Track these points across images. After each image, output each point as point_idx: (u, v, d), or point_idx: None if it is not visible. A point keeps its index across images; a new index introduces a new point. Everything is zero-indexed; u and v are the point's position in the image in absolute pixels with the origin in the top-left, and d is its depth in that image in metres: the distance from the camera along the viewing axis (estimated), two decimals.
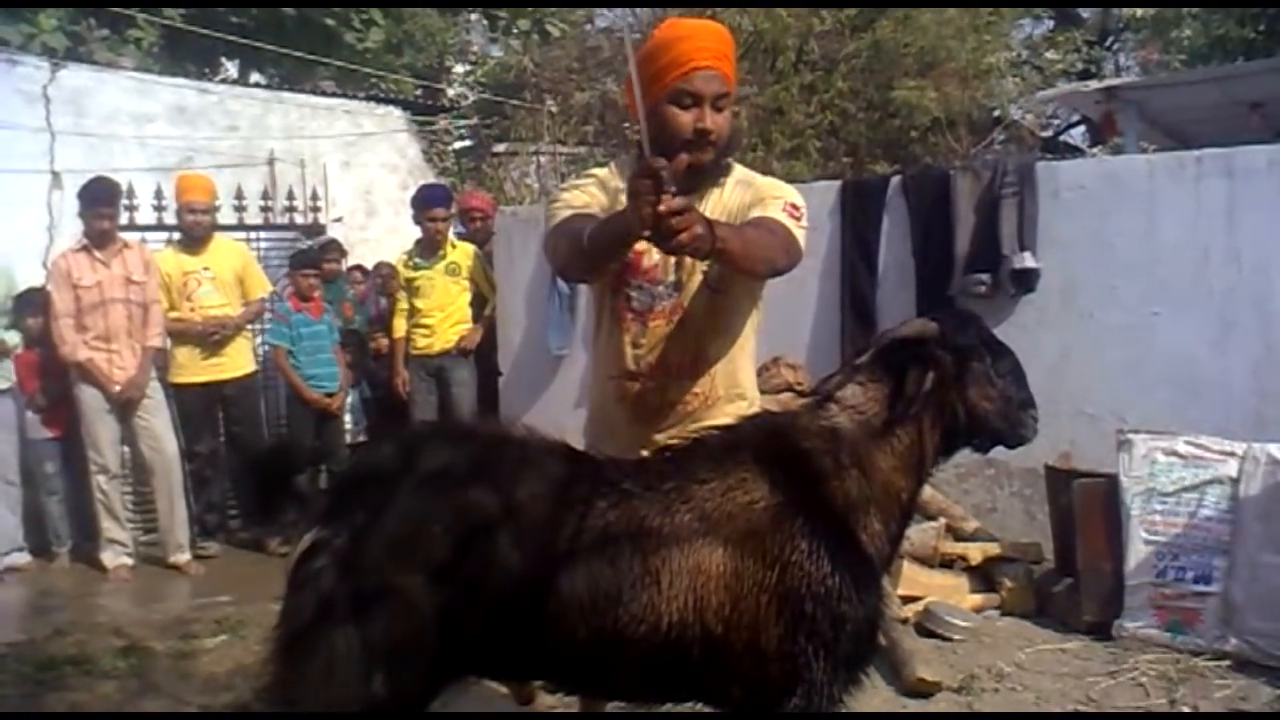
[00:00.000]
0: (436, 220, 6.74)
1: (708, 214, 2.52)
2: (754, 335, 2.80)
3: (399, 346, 6.84)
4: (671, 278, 2.65)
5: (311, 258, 6.97)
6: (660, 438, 2.63)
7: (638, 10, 12.11)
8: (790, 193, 2.69)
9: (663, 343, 2.67)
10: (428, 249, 6.78)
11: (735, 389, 2.73)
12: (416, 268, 6.74)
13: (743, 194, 2.66)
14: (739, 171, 2.74)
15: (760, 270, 2.49)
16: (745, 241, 2.35)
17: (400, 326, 6.81)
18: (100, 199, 6.05)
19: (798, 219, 2.61)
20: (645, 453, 2.55)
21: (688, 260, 2.60)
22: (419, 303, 6.71)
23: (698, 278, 2.64)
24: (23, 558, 6.22)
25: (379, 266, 8.15)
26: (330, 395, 6.74)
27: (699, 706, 2.32)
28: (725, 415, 2.60)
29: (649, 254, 2.62)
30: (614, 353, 2.75)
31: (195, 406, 6.46)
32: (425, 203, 6.83)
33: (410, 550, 2.09)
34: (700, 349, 2.67)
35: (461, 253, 6.83)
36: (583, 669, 2.22)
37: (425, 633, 2.08)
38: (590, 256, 2.49)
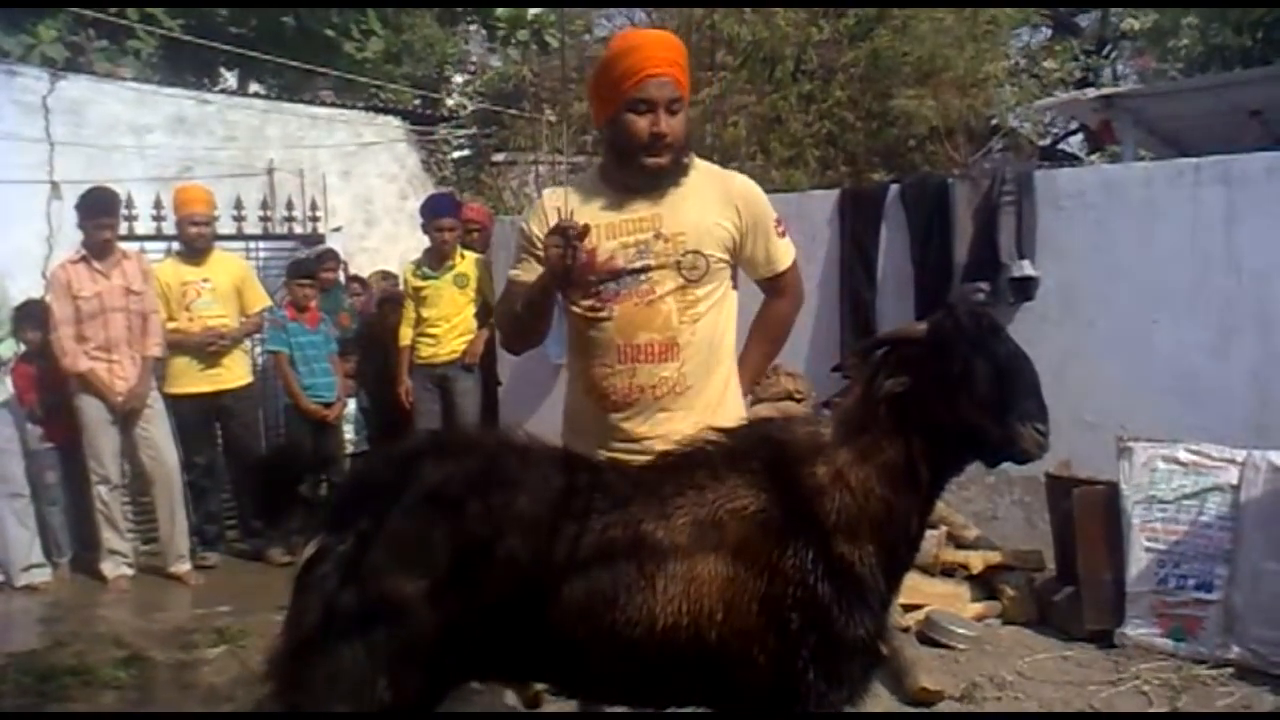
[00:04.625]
0: (443, 230, 6.73)
1: (668, 213, 2.72)
2: (731, 325, 2.86)
3: (404, 355, 6.82)
4: (638, 264, 2.71)
5: (307, 267, 6.96)
6: (629, 426, 2.70)
7: (637, 14, 12.17)
8: (767, 204, 2.84)
9: (632, 326, 2.71)
10: (436, 259, 6.77)
11: (710, 377, 2.77)
12: (424, 277, 6.73)
13: (710, 193, 2.77)
14: (699, 168, 2.81)
15: None
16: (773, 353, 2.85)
17: (406, 335, 6.80)
18: (100, 209, 6.04)
19: (784, 233, 2.86)
20: (616, 443, 2.66)
21: (658, 247, 2.71)
22: (425, 312, 6.70)
23: (672, 265, 2.70)
24: (43, 575, 6.11)
25: (373, 277, 8.16)
26: (327, 405, 6.72)
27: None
28: (697, 406, 2.70)
29: (603, 247, 2.70)
30: (583, 344, 2.80)
31: (192, 417, 6.44)
32: (433, 213, 6.81)
33: (414, 556, 2.11)
34: (673, 335, 2.71)
35: (470, 263, 6.83)
36: (582, 671, 2.23)
37: (429, 638, 2.09)
38: (526, 319, 2.79)
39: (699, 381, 2.73)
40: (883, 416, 2.19)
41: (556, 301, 2.76)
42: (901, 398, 2.19)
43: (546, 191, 2.94)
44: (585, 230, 2.52)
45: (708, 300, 2.74)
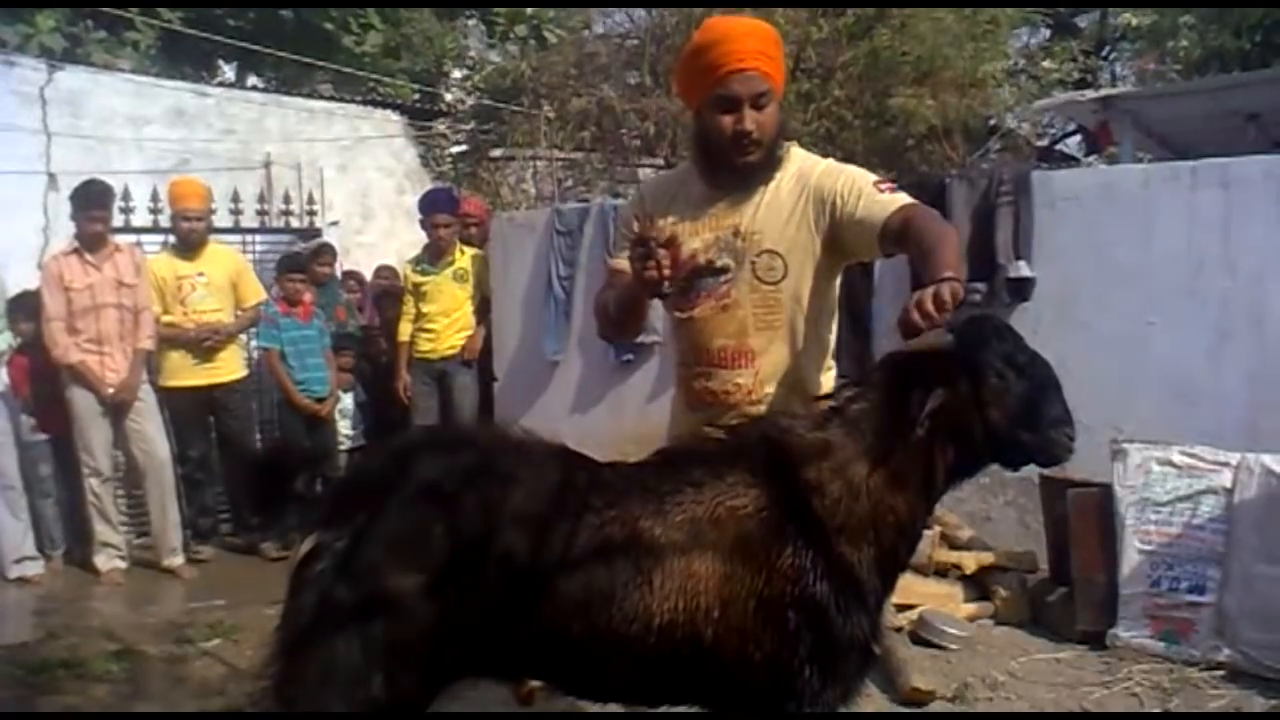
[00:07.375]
0: (439, 227, 6.73)
1: (758, 212, 2.61)
2: (819, 337, 2.69)
3: (403, 350, 6.84)
4: (720, 263, 2.63)
5: (298, 262, 6.94)
6: (706, 429, 2.56)
7: (636, 15, 12.16)
8: (852, 172, 2.61)
9: (709, 331, 2.67)
10: (434, 254, 6.78)
11: (789, 387, 2.64)
12: (424, 273, 6.75)
13: (795, 187, 2.61)
14: (796, 160, 2.67)
15: None
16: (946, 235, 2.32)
17: (405, 330, 6.82)
18: (93, 202, 6.02)
19: (890, 189, 2.54)
20: None
21: (736, 245, 2.62)
22: (424, 307, 6.72)
23: (747, 267, 2.61)
24: (35, 567, 6.10)
25: (379, 271, 8.13)
26: (320, 400, 6.72)
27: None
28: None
29: (685, 245, 2.59)
30: (674, 339, 2.83)
31: (185, 410, 6.43)
32: (430, 209, 6.83)
33: (410, 553, 2.11)
34: (745, 340, 2.63)
35: (468, 259, 6.84)
36: (579, 668, 2.23)
37: (424, 634, 2.09)
38: (618, 321, 2.74)
39: (776, 389, 2.63)
40: (922, 432, 2.17)
41: (650, 301, 2.67)
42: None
43: (649, 179, 2.87)
44: (672, 239, 2.41)
45: (788, 308, 2.62)
